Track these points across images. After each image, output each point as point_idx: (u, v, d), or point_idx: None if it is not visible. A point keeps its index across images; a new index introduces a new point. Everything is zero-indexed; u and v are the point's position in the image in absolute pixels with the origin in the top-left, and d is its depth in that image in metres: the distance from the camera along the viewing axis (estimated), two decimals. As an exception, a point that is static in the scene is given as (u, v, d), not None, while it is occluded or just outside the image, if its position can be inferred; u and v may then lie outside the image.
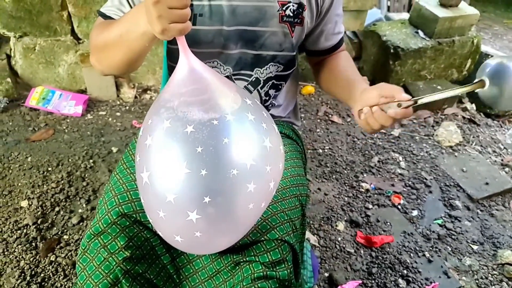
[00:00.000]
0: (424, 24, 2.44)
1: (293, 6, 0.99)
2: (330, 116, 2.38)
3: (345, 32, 2.63)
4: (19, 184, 1.68)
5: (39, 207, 1.59)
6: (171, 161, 0.63)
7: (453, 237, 1.74)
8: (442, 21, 2.33)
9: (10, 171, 1.74)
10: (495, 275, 1.58)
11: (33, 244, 1.45)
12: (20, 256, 1.40)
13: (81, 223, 1.57)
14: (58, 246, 1.47)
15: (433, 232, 1.74)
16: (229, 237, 0.74)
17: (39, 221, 1.53)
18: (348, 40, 2.61)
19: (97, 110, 2.20)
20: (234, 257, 0.87)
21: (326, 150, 2.15)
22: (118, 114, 2.20)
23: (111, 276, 0.83)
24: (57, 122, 2.06)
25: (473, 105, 2.61)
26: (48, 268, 1.39)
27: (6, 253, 1.41)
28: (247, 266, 0.86)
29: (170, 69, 1.11)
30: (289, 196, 0.95)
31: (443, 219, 1.82)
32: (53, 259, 1.42)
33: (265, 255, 0.86)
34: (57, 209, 1.61)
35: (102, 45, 0.84)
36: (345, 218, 1.75)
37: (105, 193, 0.93)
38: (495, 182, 2.03)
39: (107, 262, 0.83)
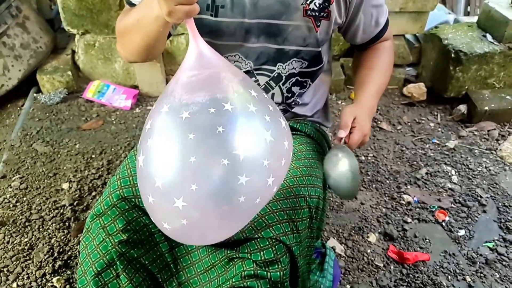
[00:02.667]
0: (493, 27, 2.20)
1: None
2: (379, 122, 2.24)
3: (404, 36, 2.48)
4: (64, 168, 1.82)
5: (78, 190, 1.70)
6: (163, 146, 0.63)
7: (503, 263, 1.52)
8: (513, 23, 2.08)
9: (59, 155, 1.89)
10: (550, 313, 1.36)
11: (67, 223, 1.55)
12: (53, 234, 1.51)
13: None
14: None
15: (481, 255, 1.54)
16: (217, 229, 0.72)
17: (75, 203, 1.64)
18: (406, 44, 2.45)
19: (146, 104, 2.31)
20: (228, 252, 0.85)
21: (369, 158, 2.02)
22: (164, 109, 2.28)
23: (107, 257, 0.85)
24: (107, 114, 2.20)
25: (550, 119, 2.28)
26: (75, 247, 1.47)
27: (41, 229, 1.53)
28: (240, 263, 0.83)
29: None
30: (293, 196, 0.90)
31: (495, 242, 1.60)
32: (83, 239, 1.50)
33: (258, 253, 0.82)
34: (93, 193, 1.70)
35: (123, 31, 0.87)
36: (379, 230, 1.62)
37: (113, 176, 0.96)
38: None
39: (105, 243, 0.85)
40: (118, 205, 0.87)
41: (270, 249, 0.82)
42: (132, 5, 0.92)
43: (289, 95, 1.08)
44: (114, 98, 2.25)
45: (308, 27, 0.97)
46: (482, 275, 1.47)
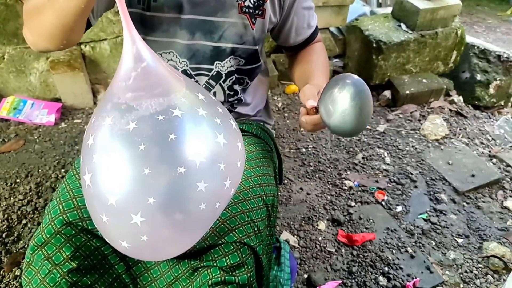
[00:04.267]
0: (406, 17, 2.39)
1: None
2: (312, 114, 2.32)
3: (328, 29, 2.59)
4: (-15, 196, 1.63)
5: (5, 220, 1.53)
6: (112, 161, 0.58)
7: (437, 231, 1.67)
8: (423, 12, 2.28)
9: (-23, 183, 1.69)
10: (480, 268, 1.52)
11: (-3, 258, 1.39)
12: (-18, 271, 1.34)
13: (50, 234, 1.51)
14: (24, 260, 1.40)
15: (417, 227, 1.67)
16: (181, 241, 0.69)
17: (3, 235, 1.47)
18: (331, 37, 2.56)
19: (72, 118, 2.15)
20: (192, 262, 0.83)
21: (309, 149, 2.09)
22: (93, 121, 2.14)
23: None
24: (28, 132, 2.00)
25: (461, 98, 2.55)
26: (12, 283, 1.33)
27: (-33, 268, 1.36)
28: (205, 272, 0.81)
29: None
30: (251, 197, 0.90)
31: (428, 214, 1.75)
32: (18, 274, 1.36)
33: (223, 259, 0.81)
34: (24, 221, 1.55)
35: (32, 10, 0.75)
36: (327, 217, 1.69)
37: (51, 201, 0.88)
38: (481, 174, 1.96)
39: (52, 275, 0.78)
40: (62, 232, 0.80)
41: (235, 253, 0.81)
42: None
43: (231, 93, 1.07)
44: (34, 114, 2.06)
45: (244, 24, 0.96)
46: (420, 244, 1.60)
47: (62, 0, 0.68)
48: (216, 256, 0.81)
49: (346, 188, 1.85)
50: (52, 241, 0.79)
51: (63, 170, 1.80)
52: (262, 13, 0.98)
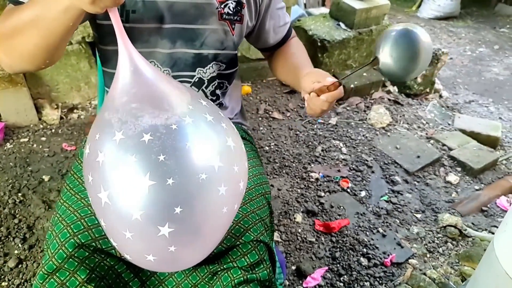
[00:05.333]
0: (344, 16, 2.57)
1: (232, 3, 0.97)
2: (270, 113, 2.40)
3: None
4: None
5: (-33, 256, 1.38)
6: (132, 175, 0.57)
7: (399, 210, 1.85)
8: (359, 12, 2.47)
9: None
10: (440, 238, 1.72)
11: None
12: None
13: (20, 266, 1.40)
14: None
15: (382, 208, 1.84)
16: (206, 247, 0.70)
17: (-30, 272, 1.33)
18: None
19: (17, 137, 1.98)
20: (211, 267, 0.84)
21: (272, 147, 2.16)
22: (43, 139, 1.99)
23: None
24: (-29, 157, 1.81)
25: (395, 88, 2.81)
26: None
27: None
28: (226, 274, 0.83)
29: (106, 75, 1.02)
30: (256, 196, 0.94)
31: (388, 195, 1.93)
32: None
33: (243, 259, 0.83)
34: (-11, 254, 1.41)
35: (11, 31, 0.70)
36: (302, 210, 1.77)
37: (53, 225, 0.83)
38: (425, 155, 2.20)
39: None
40: (75, 255, 0.77)
41: (254, 251, 0.84)
42: (18, 3, 0.77)
43: (214, 97, 1.09)
44: (-26, 136, 1.86)
45: (224, 31, 0.99)
46: (388, 224, 1.76)
47: (49, 20, 0.65)
48: (234, 257, 0.84)
49: (313, 180, 1.95)
50: (65, 266, 0.76)
51: (19, 194, 1.65)
52: (240, 18, 1.01)
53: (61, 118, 2.14)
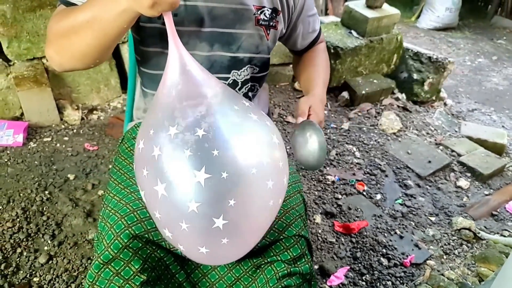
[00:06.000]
0: (356, 25, 2.64)
1: (267, 10, 1.01)
2: (284, 117, 2.45)
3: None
4: (-31, 229, 1.47)
5: (-1, 251, 1.41)
6: (188, 168, 0.60)
7: (413, 213, 1.91)
8: (371, 21, 2.55)
9: (-47, 216, 1.52)
10: (455, 240, 1.77)
11: (2, 293, 1.28)
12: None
13: (50, 262, 1.42)
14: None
15: (397, 211, 1.89)
16: (254, 239, 0.73)
17: (2, 267, 1.35)
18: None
19: (40, 137, 2.01)
20: (254, 260, 0.87)
21: (288, 151, 2.20)
22: (66, 138, 2.02)
23: None
24: (-4, 155, 1.84)
25: (403, 95, 2.88)
26: (26, 315, 1.24)
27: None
28: (269, 267, 0.86)
29: (145, 76, 1.04)
30: (293, 193, 0.98)
31: (402, 199, 1.98)
32: (29, 305, 1.27)
33: (286, 252, 0.87)
34: (19, 250, 1.44)
35: (66, 31, 0.73)
36: (320, 211, 1.82)
37: (106, 218, 0.86)
38: (435, 160, 2.27)
39: None
40: (130, 246, 0.80)
41: (296, 245, 0.88)
42: (70, 4, 0.80)
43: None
44: (-2, 135, 1.89)
45: (260, 36, 1.02)
46: (404, 226, 1.81)
47: (105, 22, 0.67)
48: (278, 251, 0.87)
49: (329, 183, 2.01)
50: (121, 256, 0.79)
51: (46, 192, 1.68)
52: (275, 25, 1.06)
53: (82, 119, 2.17)
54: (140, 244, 0.81)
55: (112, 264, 0.79)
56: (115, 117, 2.21)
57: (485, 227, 1.88)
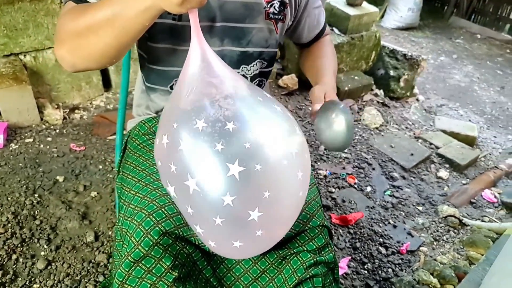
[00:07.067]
0: (338, 22, 2.70)
1: (276, 3, 1.01)
2: (271, 113, 2.47)
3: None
4: (-43, 237, 1.36)
5: (-6, 259, 1.32)
6: (220, 161, 0.58)
7: (402, 203, 1.99)
8: (353, 18, 2.62)
9: None
10: (442, 227, 1.87)
11: (2, 302, 1.20)
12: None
13: (49, 267, 1.35)
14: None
15: (388, 202, 1.97)
16: (284, 230, 0.74)
17: (-1, 275, 1.27)
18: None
19: (21, 138, 1.89)
20: (280, 252, 0.87)
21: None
22: (49, 139, 1.92)
23: None
24: (-23, 158, 1.72)
25: (381, 91, 2.99)
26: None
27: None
28: (295, 258, 0.86)
29: (152, 72, 1.00)
30: (311, 185, 1.00)
31: (390, 190, 2.06)
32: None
33: (311, 242, 0.88)
34: (14, 256, 1.35)
35: (82, 30, 0.69)
36: (316, 205, 1.85)
37: (131, 216, 0.83)
38: (417, 152, 2.38)
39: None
40: (161, 242, 0.78)
41: (320, 235, 0.89)
42: (82, 1, 0.75)
43: None
44: (-24, 136, 1.76)
45: (269, 29, 1.02)
46: (395, 216, 1.89)
47: (127, 19, 0.65)
48: (303, 241, 0.88)
49: (322, 177, 2.05)
50: (152, 253, 0.77)
51: (36, 195, 1.59)
52: (283, 18, 1.05)
53: (64, 118, 2.07)
54: (170, 241, 0.79)
55: (143, 261, 0.77)
56: (100, 115, 2.13)
57: (467, 214, 1.99)
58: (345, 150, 2.30)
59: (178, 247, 0.80)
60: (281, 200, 0.65)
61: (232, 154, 0.58)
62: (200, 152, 0.59)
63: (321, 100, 0.98)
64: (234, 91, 0.65)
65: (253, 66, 1.04)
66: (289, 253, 0.86)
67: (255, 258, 0.88)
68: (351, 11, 2.63)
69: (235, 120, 0.60)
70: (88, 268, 1.37)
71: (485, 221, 1.94)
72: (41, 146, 1.87)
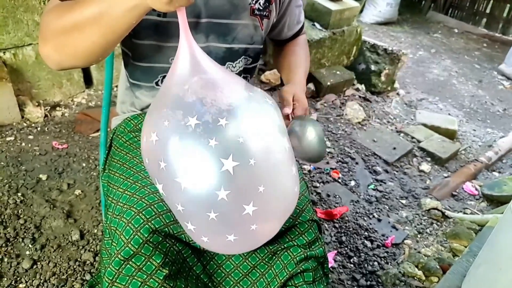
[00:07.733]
0: (319, 17, 2.72)
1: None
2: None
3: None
4: None
5: (-23, 263, 1.29)
6: (215, 157, 0.59)
7: (386, 197, 2.04)
8: (334, 13, 2.64)
9: None
10: (426, 220, 1.93)
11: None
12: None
13: (35, 267, 1.33)
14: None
15: (371, 196, 2.01)
16: (278, 224, 0.75)
17: (-17, 280, 1.25)
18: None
19: (1, 136, 1.84)
20: (270, 247, 0.88)
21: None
22: (30, 137, 1.88)
23: None
24: (-45, 158, 1.66)
25: (363, 86, 3.03)
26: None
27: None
28: (285, 253, 0.87)
29: (137, 69, 0.98)
30: (300, 180, 1.01)
31: (374, 184, 2.11)
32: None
33: (301, 237, 0.89)
34: (-2, 257, 1.33)
35: (68, 28, 0.68)
36: (302, 200, 1.88)
37: (120, 213, 0.82)
38: (399, 146, 2.43)
39: (146, 286, 0.77)
40: (150, 240, 0.78)
41: (310, 230, 0.91)
42: None
43: None
44: (-47, 135, 1.71)
45: (254, 26, 1.02)
46: (379, 209, 1.93)
47: (113, 17, 0.64)
48: (293, 236, 0.89)
49: (306, 172, 2.07)
50: (142, 251, 0.77)
51: (19, 194, 1.56)
52: (268, 14, 1.05)
53: (46, 116, 2.02)
54: (160, 238, 0.79)
55: (133, 259, 0.76)
56: (82, 113, 2.09)
57: (449, 206, 2.05)
58: (328, 145, 2.33)
59: (168, 245, 0.80)
60: (276, 195, 0.66)
61: (226, 150, 0.58)
62: (194, 149, 0.59)
63: (289, 104, 0.99)
64: (225, 87, 0.66)
65: (239, 63, 1.04)
66: (280, 248, 0.87)
67: (245, 254, 0.88)
68: (332, 6, 2.65)
69: (228, 115, 0.60)
70: (74, 266, 1.35)
71: (467, 213, 2.00)
72: (23, 144, 1.83)
